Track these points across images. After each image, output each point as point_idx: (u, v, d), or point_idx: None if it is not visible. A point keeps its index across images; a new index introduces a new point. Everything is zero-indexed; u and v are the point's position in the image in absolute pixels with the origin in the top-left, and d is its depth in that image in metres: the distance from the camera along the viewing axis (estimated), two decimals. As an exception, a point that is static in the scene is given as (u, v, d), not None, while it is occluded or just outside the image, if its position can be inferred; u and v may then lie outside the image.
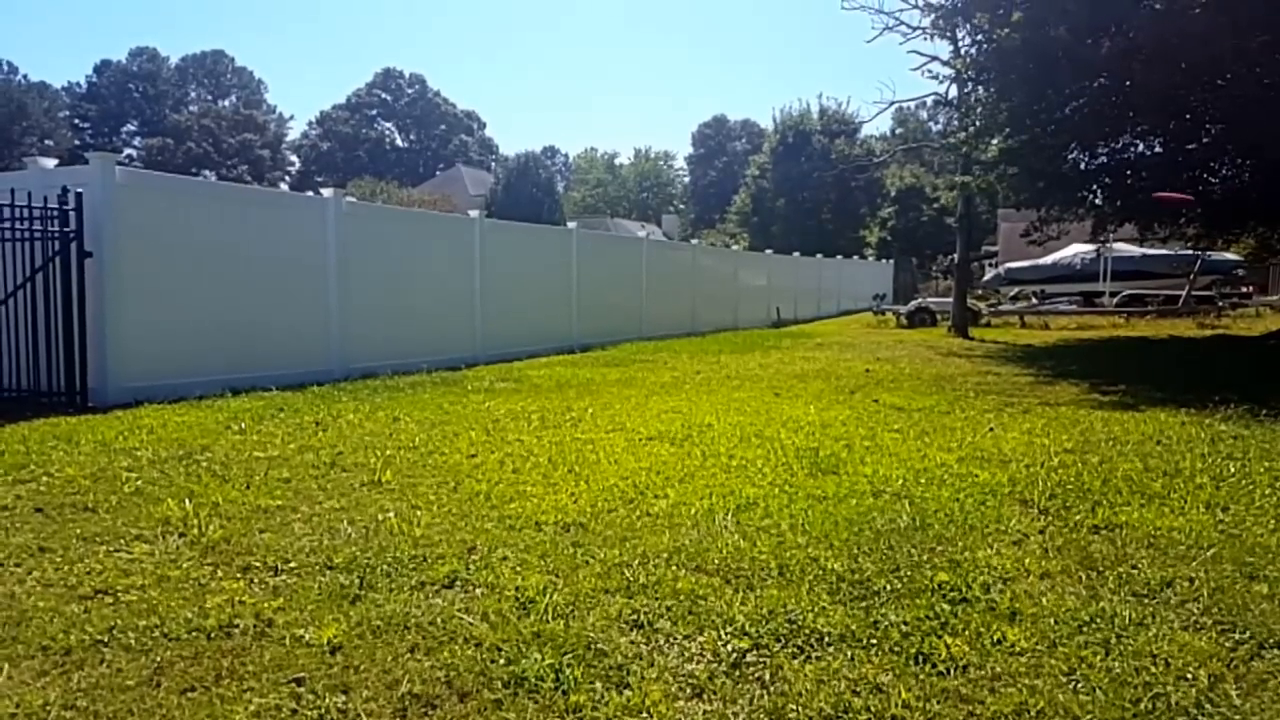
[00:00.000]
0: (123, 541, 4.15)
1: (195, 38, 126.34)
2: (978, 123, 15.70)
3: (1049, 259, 24.86)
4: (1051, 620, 3.23)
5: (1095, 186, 16.26)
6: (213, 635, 3.10)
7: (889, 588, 3.53)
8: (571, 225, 17.91)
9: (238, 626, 3.17)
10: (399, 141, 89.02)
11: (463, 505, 4.80)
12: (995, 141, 15.42)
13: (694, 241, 29.46)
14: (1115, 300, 24.09)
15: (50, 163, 10.00)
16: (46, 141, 71.99)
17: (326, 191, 11.75)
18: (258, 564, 3.84)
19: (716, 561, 3.84)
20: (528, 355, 14.17)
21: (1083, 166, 15.87)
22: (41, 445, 6.32)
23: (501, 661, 2.90)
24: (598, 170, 79.49)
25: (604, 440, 6.67)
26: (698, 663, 2.91)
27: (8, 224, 8.30)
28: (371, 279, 11.70)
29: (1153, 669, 2.86)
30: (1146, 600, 3.44)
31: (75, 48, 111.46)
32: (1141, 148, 15.82)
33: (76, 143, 73.00)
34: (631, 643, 3.06)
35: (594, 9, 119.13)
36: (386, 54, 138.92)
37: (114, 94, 78.65)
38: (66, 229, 8.29)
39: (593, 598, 3.44)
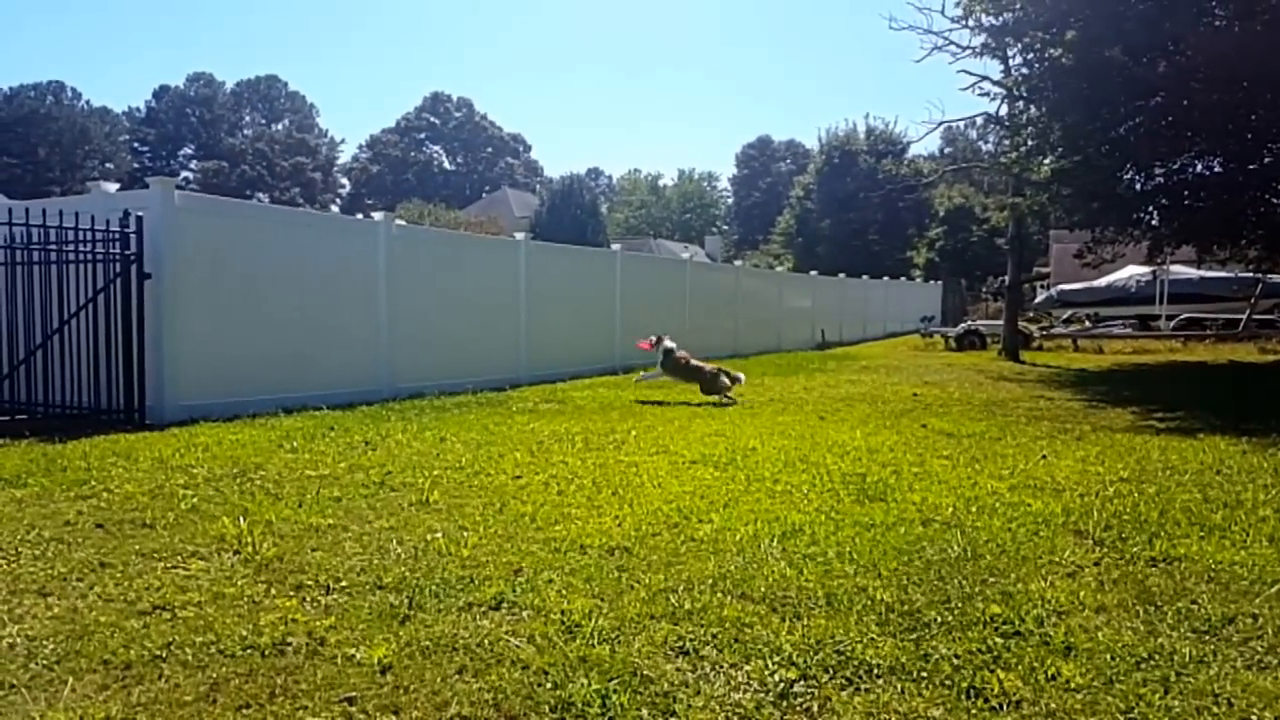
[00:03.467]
0: (180, 558, 4.25)
1: (250, 63, 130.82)
2: (1029, 142, 15.48)
3: (1103, 281, 24.34)
4: (1108, 656, 3.15)
5: (1151, 207, 15.87)
6: (267, 653, 3.16)
7: (939, 619, 3.47)
8: (615, 247, 18.05)
9: (291, 644, 3.23)
10: (446, 164, 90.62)
11: (508, 526, 4.84)
12: (1047, 161, 15.18)
13: (737, 263, 29.50)
14: (1172, 324, 23.48)
15: (112, 187, 10.36)
16: (108, 165, 74.76)
17: (377, 215, 12.02)
18: (310, 582, 3.90)
19: (762, 589, 3.81)
20: (571, 376, 14.24)
21: (1139, 187, 15.53)
22: (102, 462, 6.52)
23: (548, 685, 2.90)
24: (641, 191, 79.96)
25: (647, 463, 6.67)
26: (745, 692, 2.89)
27: (72, 247, 8.58)
28: (419, 301, 11.88)
29: (1215, 709, 2.76)
30: (1207, 637, 3.34)
31: (135, 74, 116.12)
32: (1200, 167, 15.43)
33: (136, 166, 75.68)
34: (678, 670, 3.04)
35: (639, 31, 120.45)
36: (435, 78, 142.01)
37: (172, 118, 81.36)
38: (127, 251, 8.57)
39: (638, 623, 3.44)
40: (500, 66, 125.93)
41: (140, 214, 8.67)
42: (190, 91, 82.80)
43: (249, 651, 3.16)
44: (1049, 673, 3.01)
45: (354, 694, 2.85)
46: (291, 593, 3.78)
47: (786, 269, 35.98)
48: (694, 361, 11.47)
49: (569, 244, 20.54)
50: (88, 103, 79.56)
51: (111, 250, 8.58)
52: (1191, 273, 22.89)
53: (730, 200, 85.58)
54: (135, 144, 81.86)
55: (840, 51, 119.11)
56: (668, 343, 11.47)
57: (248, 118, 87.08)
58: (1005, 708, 2.78)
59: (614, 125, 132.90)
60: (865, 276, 32.70)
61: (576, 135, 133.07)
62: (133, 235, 8.58)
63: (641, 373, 11.20)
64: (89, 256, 8.61)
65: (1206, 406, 10.41)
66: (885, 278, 35.69)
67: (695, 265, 21.52)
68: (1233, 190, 14.64)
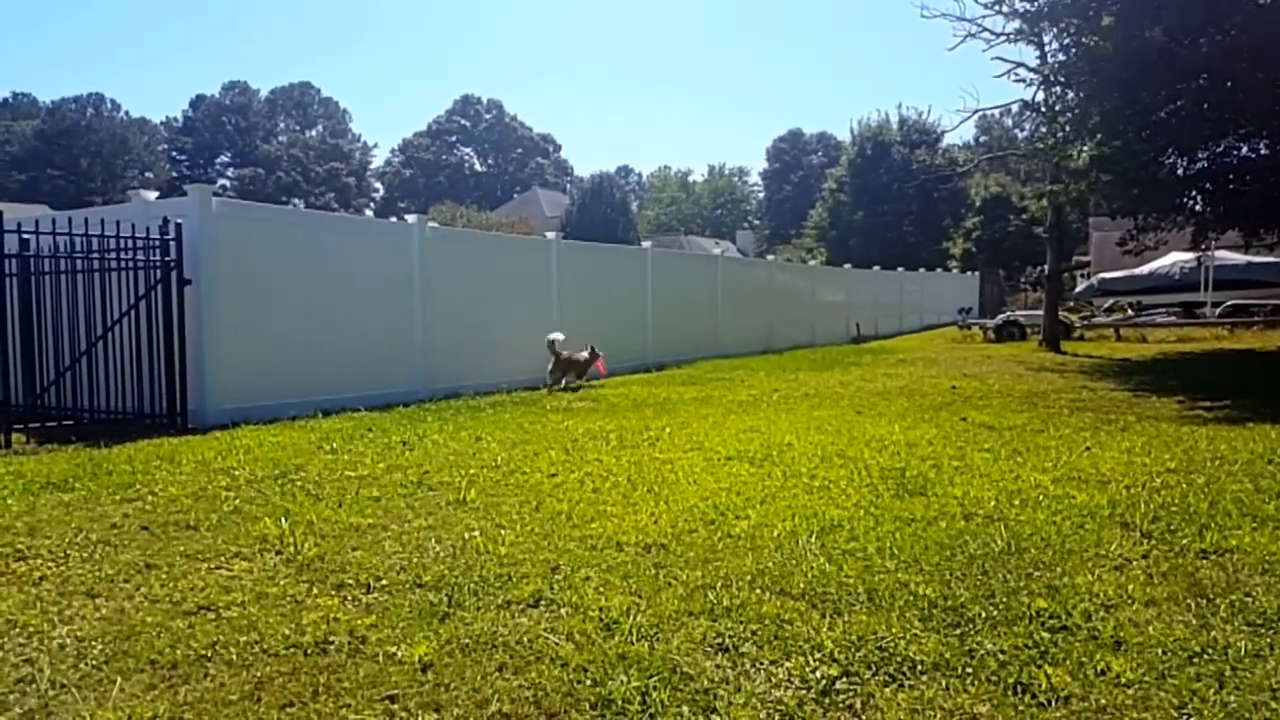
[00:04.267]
0: (223, 559, 4.31)
1: (283, 71, 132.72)
2: (1066, 128, 15.17)
3: (1145, 269, 23.86)
4: (1159, 650, 3.07)
5: (1195, 192, 15.48)
6: (309, 652, 3.19)
7: (984, 614, 3.41)
8: (646, 244, 18.02)
9: (333, 643, 3.26)
10: (478, 166, 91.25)
11: (545, 524, 4.85)
12: (1086, 148, 14.87)
13: (769, 257, 29.31)
14: (1218, 311, 22.94)
15: (152, 195, 10.53)
16: (147, 174, 76.29)
17: (411, 218, 12.13)
18: (351, 581, 3.94)
19: (802, 585, 3.77)
20: (605, 374, 14.24)
21: (1180, 171, 15.15)
22: (146, 465, 6.63)
23: (588, 683, 2.90)
24: (671, 188, 79.87)
25: (682, 460, 6.65)
26: (786, 689, 2.85)
27: (114, 254, 8.76)
28: (453, 302, 11.97)
29: (1273, 704, 2.68)
30: (1263, 630, 3.24)
31: (172, 84, 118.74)
32: (1245, 150, 15.02)
33: (174, 174, 77.14)
34: (717, 667, 3.02)
35: (667, 29, 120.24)
36: (465, 81, 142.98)
37: (208, 127, 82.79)
38: (167, 258, 8.71)
39: (676, 620, 3.42)
40: (529, 67, 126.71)
41: (179, 221, 8.81)
42: (226, 100, 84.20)
43: (292, 650, 3.20)
44: (1098, 668, 2.94)
45: (395, 692, 2.87)
46: (333, 592, 3.82)
47: (820, 263, 35.76)
48: (575, 356, 12.31)
49: (600, 242, 20.57)
50: (127, 113, 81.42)
51: (152, 257, 8.72)
52: (1237, 258, 22.37)
53: (761, 195, 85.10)
54: (173, 153, 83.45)
55: (871, 41, 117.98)
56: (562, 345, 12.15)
57: (282, 124, 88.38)
58: (1054, 704, 2.72)
59: (643, 122, 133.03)
60: (900, 269, 32.35)
61: (606, 134, 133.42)
62: (172, 242, 8.71)
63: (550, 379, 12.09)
64: (130, 264, 8.78)
65: (1255, 395, 10.15)
66: (921, 269, 35.27)
67: (727, 261, 21.44)
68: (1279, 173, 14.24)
